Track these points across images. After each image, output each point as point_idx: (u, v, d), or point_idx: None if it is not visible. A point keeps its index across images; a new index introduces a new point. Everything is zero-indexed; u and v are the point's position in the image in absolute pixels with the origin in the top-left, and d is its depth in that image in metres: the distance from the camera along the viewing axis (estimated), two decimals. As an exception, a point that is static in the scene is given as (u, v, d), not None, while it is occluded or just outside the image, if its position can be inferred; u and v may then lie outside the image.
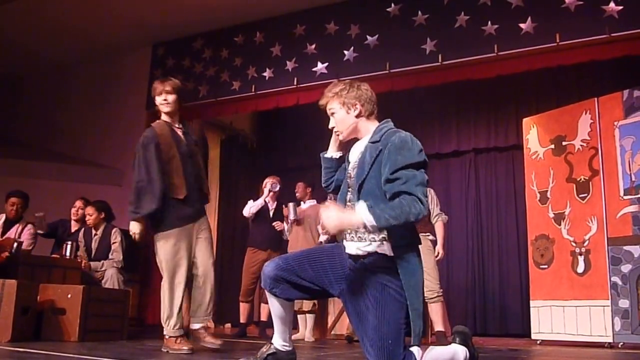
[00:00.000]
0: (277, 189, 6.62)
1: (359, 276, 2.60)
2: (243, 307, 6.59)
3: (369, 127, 2.77)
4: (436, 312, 5.40)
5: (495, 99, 8.27)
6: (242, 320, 6.55)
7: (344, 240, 2.70)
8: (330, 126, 2.84)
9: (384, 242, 2.55)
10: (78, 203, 6.50)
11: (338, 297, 2.71)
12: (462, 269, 8.30)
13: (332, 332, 6.57)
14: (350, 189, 2.72)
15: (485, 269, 8.19)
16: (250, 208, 6.62)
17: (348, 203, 2.69)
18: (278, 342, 2.79)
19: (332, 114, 2.82)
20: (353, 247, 2.64)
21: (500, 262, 8.12)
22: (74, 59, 9.14)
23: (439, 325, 5.38)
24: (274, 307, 2.75)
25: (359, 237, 2.61)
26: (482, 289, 8.12)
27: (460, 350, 2.87)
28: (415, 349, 2.53)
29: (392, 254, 2.53)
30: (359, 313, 2.57)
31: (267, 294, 2.73)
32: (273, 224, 6.59)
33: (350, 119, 2.77)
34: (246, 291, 6.54)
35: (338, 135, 2.86)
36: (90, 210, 6.24)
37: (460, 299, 8.14)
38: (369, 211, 2.37)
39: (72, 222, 6.50)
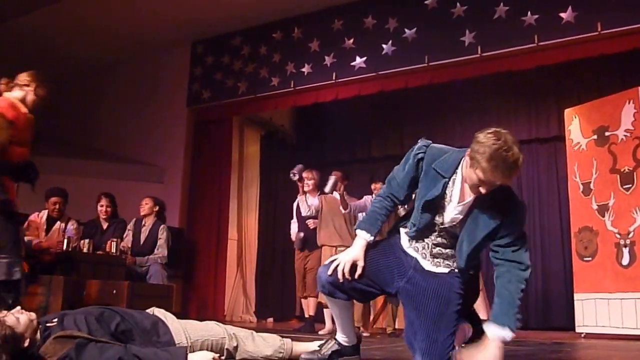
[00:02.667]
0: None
1: (424, 280, 2.63)
2: (304, 303, 6.67)
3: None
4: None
5: (536, 90, 8.18)
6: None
7: (412, 250, 2.69)
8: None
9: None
10: (104, 202, 6.50)
11: (395, 295, 2.72)
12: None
13: (374, 326, 6.63)
14: (447, 237, 2.62)
15: (527, 262, 8.13)
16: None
17: (435, 239, 2.64)
18: (341, 337, 2.87)
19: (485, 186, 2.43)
20: (426, 264, 2.65)
21: (543, 254, 8.04)
22: (114, 59, 9.34)
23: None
24: (333, 308, 2.83)
25: (436, 263, 2.64)
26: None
27: None
28: None
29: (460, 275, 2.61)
30: (418, 313, 2.59)
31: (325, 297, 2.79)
32: (307, 222, 6.56)
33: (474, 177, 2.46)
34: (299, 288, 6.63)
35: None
36: (147, 200, 6.47)
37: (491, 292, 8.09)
38: (502, 329, 2.43)
39: (102, 221, 6.60)
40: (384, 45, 6.99)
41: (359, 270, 2.61)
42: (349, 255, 2.63)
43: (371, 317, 6.46)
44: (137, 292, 4.94)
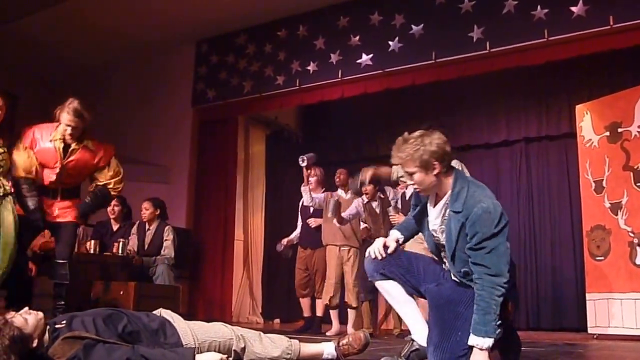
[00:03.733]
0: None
1: (450, 287, 2.80)
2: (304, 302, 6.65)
3: (446, 183, 2.71)
4: None
5: (546, 86, 8.11)
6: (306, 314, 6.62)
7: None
8: (408, 184, 2.95)
9: None
10: (112, 202, 6.55)
11: (423, 296, 2.91)
12: (514, 261, 8.17)
13: (381, 327, 6.58)
14: (442, 248, 2.82)
15: (538, 262, 8.05)
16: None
17: (444, 259, 2.85)
18: (417, 337, 2.89)
19: (410, 174, 2.72)
20: (454, 275, 2.82)
21: (553, 254, 7.97)
22: (118, 59, 9.33)
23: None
24: (399, 308, 2.92)
25: (459, 281, 2.77)
26: (535, 282, 7.98)
27: None
28: None
29: None
30: (436, 316, 2.73)
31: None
32: (308, 221, 6.54)
33: (430, 179, 2.69)
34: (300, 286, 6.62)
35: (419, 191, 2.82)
36: (146, 205, 6.46)
37: (513, 293, 8.03)
38: (476, 337, 2.51)
39: (112, 221, 6.61)
40: (390, 42, 6.93)
41: (390, 249, 2.88)
42: (380, 240, 2.94)
43: (380, 316, 6.41)
44: (144, 292, 4.95)
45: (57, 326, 2.54)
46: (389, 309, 6.30)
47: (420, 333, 2.89)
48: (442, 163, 2.66)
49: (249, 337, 2.94)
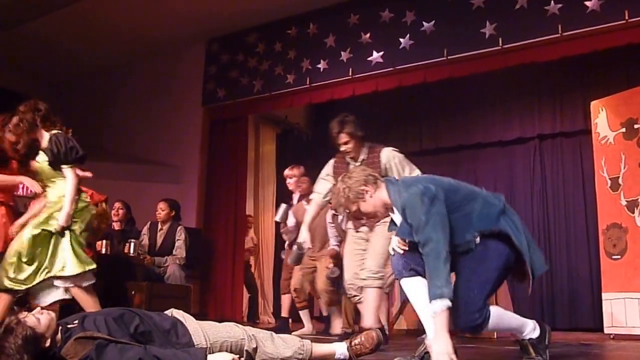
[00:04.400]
0: (292, 180, 6.18)
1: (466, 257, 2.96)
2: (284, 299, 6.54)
3: (386, 193, 3.04)
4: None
5: (560, 82, 8.05)
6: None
7: None
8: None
9: (478, 238, 2.90)
10: (117, 204, 6.61)
11: None
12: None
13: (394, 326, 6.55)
14: None
15: (553, 261, 7.98)
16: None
17: None
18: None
19: (359, 212, 3.11)
20: None
21: (568, 253, 7.92)
22: (128, 59, 9.37)
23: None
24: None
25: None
26: (550, 281, 7.93)
27: (531, 323, 3.05)
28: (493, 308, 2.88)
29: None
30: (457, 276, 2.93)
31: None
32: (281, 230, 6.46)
33: (374, 202, 3.04)
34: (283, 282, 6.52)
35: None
36: (162, 205, 6.49)
37: (527, 293, 7.96)
38: (432, 303, 2.73)
39: (114, 223, 6.61)
40: (401, 40, 6.90)
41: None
42: (395, 237, 3.09)
43: (391, 317, 6.37)
44: (155, 292, 4.97)
45: (69, 326, 2.56)
46: (403, 307, 6.26)
47: (527, 330, 3.01)
48: (367, 185, 3.03)
49: (261, 337, 2.94)
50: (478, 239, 2.89)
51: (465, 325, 2.84)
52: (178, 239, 6.41)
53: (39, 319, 2.49)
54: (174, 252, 6.33)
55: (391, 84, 7.16)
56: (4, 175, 4.35)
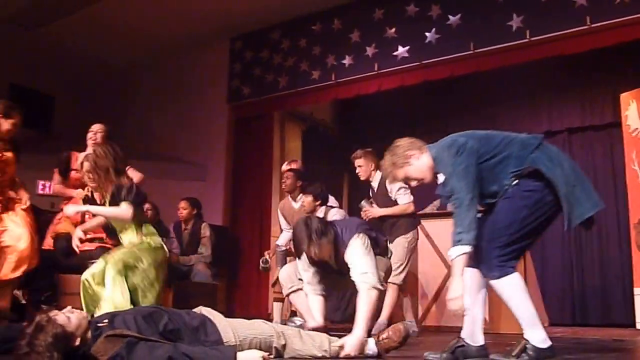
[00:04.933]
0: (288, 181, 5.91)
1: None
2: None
3: (430, 157, 3.11)
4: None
5: (589, 75, 7.96)
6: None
7: None
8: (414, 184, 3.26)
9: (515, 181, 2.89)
10: (145, 205, 6.66)
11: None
12: (557, 256, 8.06)
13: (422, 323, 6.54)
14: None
15: (583, 256, 7.92)
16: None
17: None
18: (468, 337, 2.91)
19: (409, 179, 3.20)
20: None
21: (600, 248, 7.83)
22: (152, 59, 9.49)
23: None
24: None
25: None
26: (580, 276, 7.86)
27: (543, 333, 2.87)
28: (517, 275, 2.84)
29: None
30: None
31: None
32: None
33: (420, 166, 3.11)
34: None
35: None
36: (184, 204, 6.56)
37: (557, 288, 7.92)
38: (450, 250, 2.86)
39: None
40: (427, 34, 6.90)
41: None
42: None
43: (420, 313, 6.36)
44: (182, 291, 5.01)
45: (99, 324, 2.60)
46: (433, 301, 6.25)
47: (469, 332, 2.93)
48: (413, 150, 3.10)
49: (290, 334, 2.97)
50: (515, 182, 2.88)
51: (485, 274, 2.87)
52: (203, 237, 6.47)
53: (69, 317, 2.53)
54: (199, 251, 6.39)
55: (417, 79, 7.16)
56: (62, 187, 4.69)
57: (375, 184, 5.48)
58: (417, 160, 3.09)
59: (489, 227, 2.87)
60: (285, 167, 6.23)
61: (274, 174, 8.60)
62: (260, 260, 5.99)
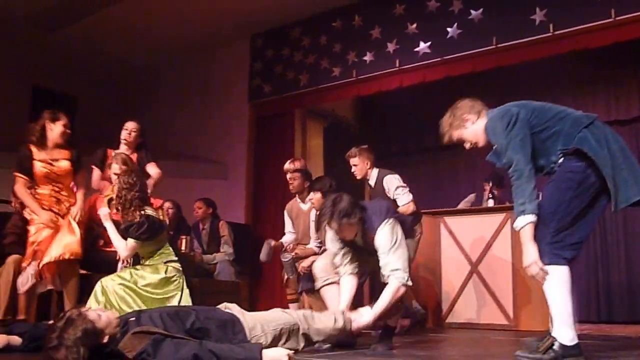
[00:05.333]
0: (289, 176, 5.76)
1: None
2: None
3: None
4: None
5: (614, 69, 7.87)
6: None
7: None
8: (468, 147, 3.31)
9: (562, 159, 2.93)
10: (167, 204, 6.70)
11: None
12: (583, 252, 7.94)
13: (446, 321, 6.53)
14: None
15: (609, 252, 7.84)
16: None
17: None
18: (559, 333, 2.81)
19: (464, 141, 3.29)
20: None
21: (626, 244, 7.75)
22: (173, 58, 9.55)
23: None
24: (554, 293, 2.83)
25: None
26: (606, 273, 7.78)
27: (573, 332, 2.82)
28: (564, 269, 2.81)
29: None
30: None
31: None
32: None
33: (475, 130, 3.24)
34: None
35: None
36: (199, 204, 6.63)
37: (582, 285, 7.85)
38: (515, 222, 2.89)
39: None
40: (448, 29, 6.87)
41: None
42: None
43: (444, 310, 6.33)
44: (206, 289, 5.06)
45: (127, 321, 2.68)
46: (455, 300, 6.23)
47: (561, 332, 2.78)
48: (471, 114, 3.23)
49: (308, 316, 3.08)
50: (561, 160, 2.90)
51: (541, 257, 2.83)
52: (222, 235, 6.52)
53: (100, 315, 2.60)
54: (221, 249, 6.44)
55: (439, 75, 7.13)
56: (102, 182, 4.88)
57: (372, 181, 5.43)
58: (472, 124, 3.20)
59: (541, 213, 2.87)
60: (288, 165, 5.85)
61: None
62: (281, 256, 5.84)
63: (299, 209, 5.70)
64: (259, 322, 2.90)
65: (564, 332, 2.77)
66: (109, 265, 4.44)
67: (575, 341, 2.78)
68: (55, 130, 4.49)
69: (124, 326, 2.64)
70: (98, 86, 10.17)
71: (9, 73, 9.06)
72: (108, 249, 4.57)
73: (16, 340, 2.90)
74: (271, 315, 3.01)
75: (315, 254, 5.28)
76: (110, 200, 4.65)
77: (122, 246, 4.15)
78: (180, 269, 4.24)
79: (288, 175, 5.75)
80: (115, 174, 4.53)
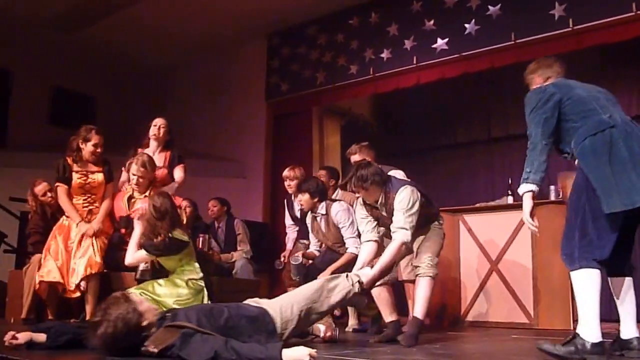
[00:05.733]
0: (292, 183, 5.58)
1: None
2: None
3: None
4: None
5: (636, 63, 7.77)
6: None
7: None
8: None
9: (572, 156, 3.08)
10: (184, 203, 6.76)
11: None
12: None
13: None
14: None
15: (636, 249, 7.74)
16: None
17: None
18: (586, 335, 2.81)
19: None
20: None
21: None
22: (190, 58, 9.64)
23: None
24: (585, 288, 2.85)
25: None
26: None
27: (598, 330, 2.83)
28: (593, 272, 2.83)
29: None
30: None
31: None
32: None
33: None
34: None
35: None
36: (213, 202, 6.68)
37: (605, 282, 7.77)
38: (522, 188, 3.03)
39: None
40: (466, 25, 6.85)
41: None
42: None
43: (463, 309, 6.29)
44: (225, 287, 5.07)
45: (164, 317, 2.80)
46: (475, 298, 6.20)
47: (585, 330, 2.78)
48: (538, 76, 3.46)
49: (325, 285, 3.24)
50: (574, 159, 3.05)
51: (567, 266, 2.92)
52: (239, 233, 6.54)
53: (142, 300, 2.80)
54: (238, 247, 6.45)
55: (457, 71, 7.11)
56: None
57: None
58: (534, 86, 3.39)
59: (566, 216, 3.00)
60: (287, 173, 5.70)
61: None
62: (275, 263, 5.92)
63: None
64: (289, 307, 3.03)
65: (587, 329, 2.78)
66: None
67: (600, 339, 2.77)
68: (86, 149, 4.71)
69: (161, 319, 2.74)
70: (116, 86, 10.25)
71: (29, 74, 9.19)
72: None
73: (41, 337, 2.95)
74: (295, 297, 3.13)
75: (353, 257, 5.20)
76: (130, 198, 4.72)
77: (131, 252, 4.25)
78: (203, 285, 4.29)
79: (292, 183, 5.60)
80: (134, 175, 4.63)
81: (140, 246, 4.23)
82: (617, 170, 2.78)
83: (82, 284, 4.41)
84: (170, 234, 4.17)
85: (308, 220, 5.25)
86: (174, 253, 4.24)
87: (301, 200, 5.08)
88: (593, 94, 3.13)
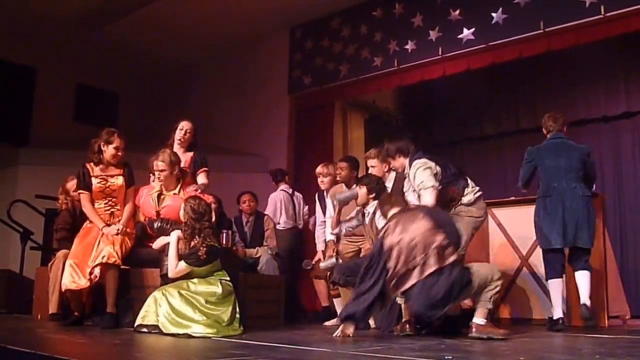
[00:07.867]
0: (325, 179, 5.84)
1: None
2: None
3: None
4: None
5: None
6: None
7: None
8: None
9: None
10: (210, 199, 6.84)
11: None
12: (637, 245, 7.80)
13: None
14: None
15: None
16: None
17: None
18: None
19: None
20: None
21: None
22: (213, 53, 9.69)
23: None
24: None
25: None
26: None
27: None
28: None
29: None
30: None
31: None
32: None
33: None
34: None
35: None
36: (249, 197, 6.68)
37: (638, 279, 7.66)
38: None
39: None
40: (493, 14, 6.76)
41: None
42: None
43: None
44: (249, 283, 5.08)
45: None
46: (506, 294, 6.12)
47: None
48: None
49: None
50: None
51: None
52: (267, 229, 6.53)
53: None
54: (264, 243, 6.45)
55: (484, 62, 7.02)
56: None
57: (389, 184, 5.29)
58: None
59: None
60: (320, 169, 5.92)
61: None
62: (303, 263, 5.93)
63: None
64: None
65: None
66: (150, 262, 4.58)
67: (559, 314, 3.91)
68: (107, 152, 4.70)
69: None
70: (140, 83, 10.32)
71: (53, 71, 9.30)
72: (151, 244, 4.65)
73: None
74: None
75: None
76: (159, 195, 4.75)
77: (173, 266, 4.26)
78: (232, 286, 4.33)
79: (326, 179, 5.87)
80: (159, 171, 4.65)
81: (180, 258, 4.26)
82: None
83: (96, 270, 4.38)
84: (209, 241, 4.22)
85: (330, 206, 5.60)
86: (212, 262, 4.27)
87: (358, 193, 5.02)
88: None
